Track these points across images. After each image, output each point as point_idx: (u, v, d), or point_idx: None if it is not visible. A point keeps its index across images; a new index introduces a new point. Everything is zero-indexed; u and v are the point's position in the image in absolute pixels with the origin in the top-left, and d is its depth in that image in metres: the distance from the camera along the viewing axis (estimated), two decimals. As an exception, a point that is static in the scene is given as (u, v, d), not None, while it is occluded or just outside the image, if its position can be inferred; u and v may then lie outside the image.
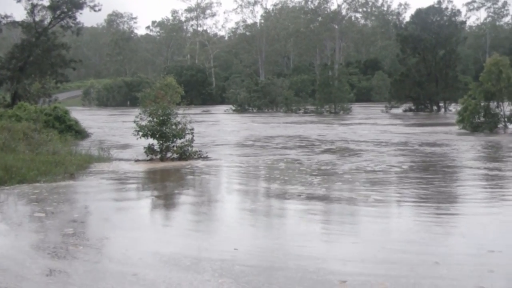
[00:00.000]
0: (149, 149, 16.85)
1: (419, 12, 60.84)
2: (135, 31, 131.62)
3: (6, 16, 39.34)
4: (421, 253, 6.74)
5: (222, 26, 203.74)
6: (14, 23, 39.89)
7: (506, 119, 28.49)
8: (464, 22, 70.25)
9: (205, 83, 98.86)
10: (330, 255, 6.77)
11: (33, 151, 15.88)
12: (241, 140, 25.36)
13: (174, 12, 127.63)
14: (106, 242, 7.53)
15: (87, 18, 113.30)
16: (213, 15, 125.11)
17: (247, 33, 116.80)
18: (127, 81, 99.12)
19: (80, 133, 26.28)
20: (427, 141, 22.61)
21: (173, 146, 16.99)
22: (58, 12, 39.07)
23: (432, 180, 12.71)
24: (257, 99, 62.78)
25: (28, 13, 38.90)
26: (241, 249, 6.99)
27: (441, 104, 56.56)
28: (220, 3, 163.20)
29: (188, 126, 17.04)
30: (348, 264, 6.33)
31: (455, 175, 14.07)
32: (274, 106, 62.52)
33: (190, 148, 17.11)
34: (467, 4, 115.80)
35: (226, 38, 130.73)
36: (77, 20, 40.36)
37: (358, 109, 58.25)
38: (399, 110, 55.45)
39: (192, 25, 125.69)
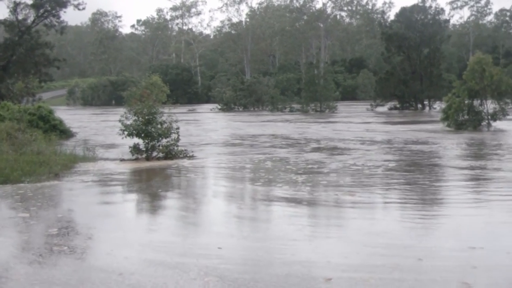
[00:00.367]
0: (135, 149, 16.78)
1: (403, 10, 61.41)
2: (120, 29, 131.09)
3: (-12, 15, 39.03)
4: (405, 251, 6.82)
5: (208, 25, 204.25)
6: (-4, 22, 39.52)
7: (489, 117, 28.84)
8: (448, 21, 70.94)
9: (191, 82, 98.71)
10: (315, 253, 6.81)
11: (16, 151, 15.72)
12: (227, 139, 25.36)
13: (159, 10, 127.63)
14: (91, 242, 7.50)
15: (71, 16, 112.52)
16: (199, 13, 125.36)
17: (233, 32, 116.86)
18: (112, 80, 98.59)
19: (65, 133, 26.08)
20: (412, 139, 22.79)
21: (159, 146, 16.94)
22: (41, 11, 38.75)
23: (417, 179, 12.82)
24: (243, 98, 62.72)
25: (10, 11, 38.56)
26: (225, 248, 7.02)
27: (426, 102, 57.08)
28: (205, 2, 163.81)
29: (174, 125, 16.99)
30: (333, 262, 6.37)
31: (440, 173, 14.20)
32: (260, 105, 62.50)
33: (175, 147, 17.08)
34: (451, 2, 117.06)
35: (212, 36, 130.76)
36: (61, 19, 40.13)
37: (344, 108, 58.49)
38: (384, 108, 55.82)
39: (177, 24, 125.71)
